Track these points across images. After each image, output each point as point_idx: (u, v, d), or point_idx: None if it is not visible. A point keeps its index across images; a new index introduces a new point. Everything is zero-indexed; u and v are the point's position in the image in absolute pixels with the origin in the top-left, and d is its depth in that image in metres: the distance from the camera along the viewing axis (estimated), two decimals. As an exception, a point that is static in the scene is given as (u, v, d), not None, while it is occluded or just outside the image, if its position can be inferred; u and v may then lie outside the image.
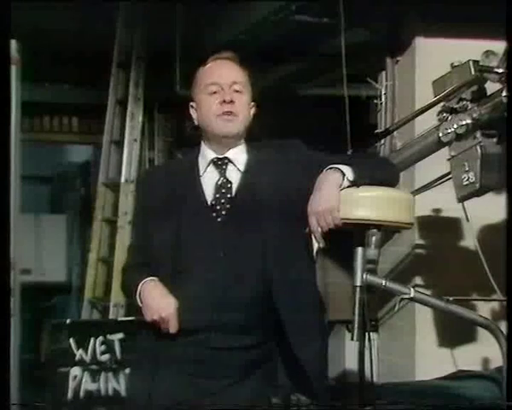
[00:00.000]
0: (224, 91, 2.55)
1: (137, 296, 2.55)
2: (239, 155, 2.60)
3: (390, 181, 2.61)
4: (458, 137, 3.53)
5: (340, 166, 2.50)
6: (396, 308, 3.05)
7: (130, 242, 2.86)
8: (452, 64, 3.57)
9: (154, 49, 5.63)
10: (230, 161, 2.59)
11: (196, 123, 2.64)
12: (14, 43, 3.59)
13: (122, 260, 5.26)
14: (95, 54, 5.55)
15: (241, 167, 2.59)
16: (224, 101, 2.54)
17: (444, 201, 4.01)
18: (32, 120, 6.94)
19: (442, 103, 3.62)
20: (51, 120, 7.09)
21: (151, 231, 2.59)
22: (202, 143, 2.64)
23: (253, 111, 2.64)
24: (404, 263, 4.34)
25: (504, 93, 3.31)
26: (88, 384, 4.35)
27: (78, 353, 4.35)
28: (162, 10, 5.22)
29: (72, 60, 6.00)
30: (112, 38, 5.69)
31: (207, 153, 2.61)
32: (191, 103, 2.64)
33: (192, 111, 2.64)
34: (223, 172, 2.58)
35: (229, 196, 2.56)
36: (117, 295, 5.29)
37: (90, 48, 5.46)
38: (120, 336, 4.39)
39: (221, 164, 2.59)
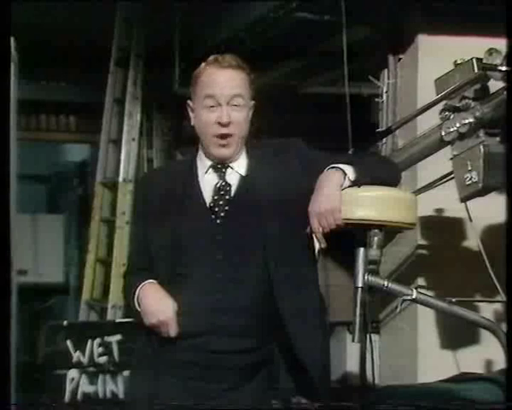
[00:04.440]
0: (221, 109, 2.48)
1: (135, 300, 2.53)
2: (238, 159, 2.58)
3: (391, 180, 2.60)
4: (461, 136, 3.51)
5: (341, 166, 2.49)
6: (398, 310, 3.02)
7: (131, 247, 2.84)
8: (455, 62, 3.54)
9: (152, 48, 5.61)
10: (229, 165, 2.57)
11: (192, 123, 2.59)
12: (11, 41, 3.55)
13: (120, 260, 5.31)
14: (93, 52, 5.53)
15: (242, 171, 2.57)
16: (221, 123, 2.48)
17: (447, 201, 3.99)
18: (29, 118, 6.92)
19: (444, 102, 3.60)
20: (48, 118, 7.08)
21: (151, 235, 2.57)
22: (200, 144, 2.60)
23: (252, 110, 2.59)
24: (407, 264, 4.32)
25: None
26: (85, 387, 4.34)
27: (76, 355, 4.34)
28: (161, 8, 5.20)
29: (70, 58, 5.97)
30: (110, 36, 5.67)
31: (206, 157, 2.58)
32: (188, 102, 2.59)
33: (189, 110, 2.59)
34: (222, 176, 2.56)
35: (227, 197, 2.54)
36: (115, 297, 5.27)
37: (87, 46, 5.45)
38: (118, 337, 4.38)
39: (220, 168, 2.57)
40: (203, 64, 2.56)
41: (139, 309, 2.52)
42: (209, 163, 2.57)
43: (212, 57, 2.56)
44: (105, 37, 5.57)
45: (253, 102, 2.58)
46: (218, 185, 2.54)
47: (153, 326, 2.50)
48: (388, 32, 4.46)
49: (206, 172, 2.57)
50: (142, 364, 2.59)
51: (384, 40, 4.48)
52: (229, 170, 2.56)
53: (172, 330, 2.48)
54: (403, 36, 4.41)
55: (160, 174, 2.86)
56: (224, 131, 2.49)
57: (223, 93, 2.48)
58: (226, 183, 2.55)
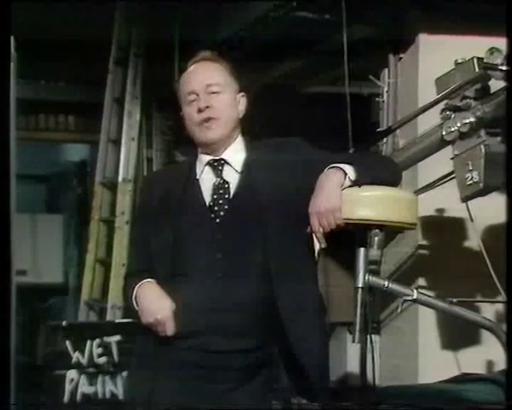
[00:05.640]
0: (199, 98, 2.52)
1: (133, 299, 2.51)
2: (236, 155, 2.57)
3: (392, 180, 2.58)
4: (462, 135, 3.51)
5: (341, 166, 2.47)
6: (399, 310, 3.02)
7: (131, 250, 2.83)
8: (456, 61, 3.54)
9: (152, 47, 5.59)
10: (226, 162, 2.56)
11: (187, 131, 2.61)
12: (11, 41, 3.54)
13: (120, 260, 5.30)
14: (92, 51, 5.51)
15: (238, 168, 2.56)
16: (200, 109, 2.51)
17: (447, 201, 3.98)
18: (28, 118, 6.90)
19: (445, 101, 3.60)
20: (47, 118, 7.06)
21: (151, 235, 2.56)
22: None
23: (243, 103, 2.59)
24: (407, 264, 4.31)
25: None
26: (85, 387, 4.32)
27: (75, 355, 4.33)
28: (161, 7, 5.19)
29: (69, 57, 5.95)
30: (109, 35, 5.65)
31: (203, 155, 2.59)
32: (181, 113, 2.61)
33: (183, 121, 2.60)
34: (219, 174, 2.55)
35: (226, 196, 2.53)
36: (114, 297, 5.25)
37: (87, 45, 5.43)
38: (118, 338, 4.37)
39: (217, 165, 2.56)
40: (184, 72, 2.61)
41: (137, 308, 2.51)
42: (205, 160, 2.57)
43: (189, 62, 2.61)
44: (104, 35, 5.56)
45: (241, 94, 2.59)
46: (217, 183, 2.54)
47: (150, 325, 2.48)
48: (389, 32, 4.46)
49: (203, 170, 2.57)
50: (141, 364, 2.57)
51: (384, 39, 4.48)
52: (226, 167, 2.55)
53: (170, 330, 2.47)
54: (403, 35, 4.41)
55: (160, 176, 2.87)
56: (205, 115, 2.51)
57: (199, 84, 2.53)
58: (224, 181, 2.54)
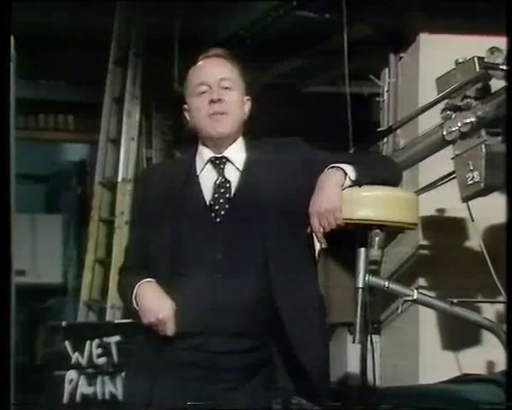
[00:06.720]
0: (211, 90, 2.52)
1: (133, 299, 2.51)
2: (237, 154, 2.57)
3: (393, 180, 2.58)
4: (463, 135, 3.50)
5: (341, 165, 2.47)
6: (399, 310, 3.00)
7: (128, 243, 2.82)
8: (456, 61, 3.53)
9: (151, 46, 5.59)
10: (228, 160, 2.56)
11: (190, 125, 2.60)
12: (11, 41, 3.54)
13: (119, 260, 5.27)
14: (91, 51, 5.51)
15: (240, 166, 2.56)
16: (212, 100, 2.51)
17: (448, 201, 3.98)
18: (28, 117, 6.88)
19: (446, 101, 3.59)
20: (46, 117, 7.04)
21: (149, 233, 2.55)
22: (199, 141, 2.60)
23: (248, 106, 2.60)
24: (408, 264, 4.30)
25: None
26: (84, 388, 4.31)
27: (74, 356, 4.32)
28: (160, 6, 5.18)
29: (68, 57, 5.95)
30: (109, 35, 5.65)
31: (204, 152, 2.58)
32: (184, 106, 2.60)
33: (186, 113, 2.61)
34: (221, 172, 2.55)
35: (227, 196, 2.52)
36: (114, 297, 5.23)
37: (86, 45, 5.43)
38: (117, 338, 4.36)
39: (219, 163, 2.56)
40: (193, 66, 2.61)
41: (137, 308, 2.51)
42: (208, 156, 2.56)
43: (200, 56, 2.62)
44: (104, 35, 5.55)
45: (247, 98, 2.60)
46: (218, 182, 2.53)
47: (151, 325, 2.48)
48: (389, 31, 4.45)
49: (204, 167, 2.56)
50: (141, 364, 2.57)
51: (385, 39, 4.48)
52: (227, 165, 2.55)
53: (170, 329, 2.47)
54: (404, 34, 4.40)
55: (158, 170, 2.83)
56: (216, 108, 2.51)
57: (212, 77, 2.53)
58: (225, 179, 2.53)
